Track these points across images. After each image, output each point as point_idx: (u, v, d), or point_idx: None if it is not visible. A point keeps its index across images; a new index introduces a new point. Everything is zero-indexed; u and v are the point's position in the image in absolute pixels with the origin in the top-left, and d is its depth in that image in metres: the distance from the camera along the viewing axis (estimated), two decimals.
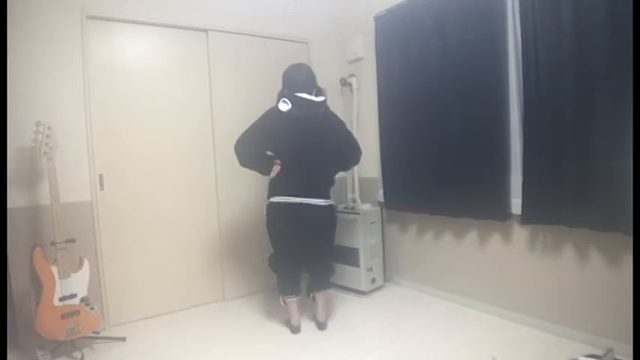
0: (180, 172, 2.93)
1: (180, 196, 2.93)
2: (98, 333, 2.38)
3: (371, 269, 3.10)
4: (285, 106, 2.32)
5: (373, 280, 3.12)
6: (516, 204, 2.36)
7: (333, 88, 3.60)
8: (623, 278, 1.94)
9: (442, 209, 2.77)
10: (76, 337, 2.20)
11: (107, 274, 2.65)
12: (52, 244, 2.17)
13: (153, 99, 2.81)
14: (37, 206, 2.41)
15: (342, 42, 3.61)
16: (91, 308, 2.26)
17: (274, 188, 2.39)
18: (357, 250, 3.05)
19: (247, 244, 3.19)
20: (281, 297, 2.52)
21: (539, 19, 2.12)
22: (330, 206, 2.44)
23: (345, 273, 3.13)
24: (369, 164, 3.35)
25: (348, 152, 2.51)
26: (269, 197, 2.41)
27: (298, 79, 2.38)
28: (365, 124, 3.40)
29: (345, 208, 3.18)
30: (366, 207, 3.16)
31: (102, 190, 2.64)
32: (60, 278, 2.16)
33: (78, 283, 2.23)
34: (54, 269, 2.15)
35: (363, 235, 3.04)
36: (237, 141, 2.37)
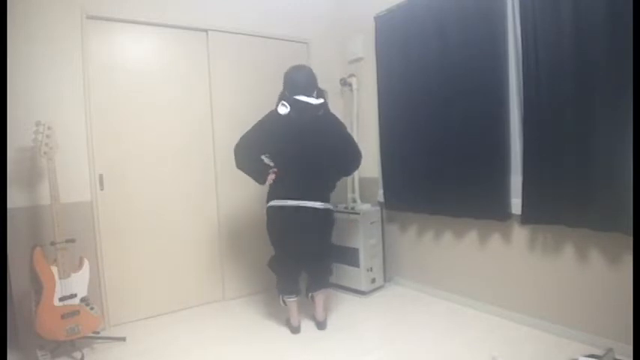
0: (181, 172, 2.93)
1: (180, 195, 2.93)
2: (98, 333, 2.38)
3: (371, 269, 3.10)
4: (283, 110, 2.32)
5: (373, 280, 3.12)
6: (516, 204, 2.36)
7: (333, 88, 3.60)
8: (623, 278, 1.94)
9: (442, 209, 2.77)
10: (76, 337, 2.20)
11: (107, 274, 2.65)
12: (52, 244, 2.17)
13: (153, 99, 2.81)
14: (37, 206, 2.41)
15: (342, 42, 3.61)
16: (91, 308, 2.26)
17: (273, 192, 2.41)
18: (357, 250, 3.05)
19: (247, 244, 3.19)
20: (281, 297, 2.53)
21: (539, 19, 2.12)
22: (328, 210, 2.44)
23: (345, 273, 3.13)
24: (369, 164, 3.35)
25: (348, 155, 2.50)
26: (268, 201, 2.42)
27: (298, 81, 2.38)
28: (365, 124, 3.40)
29: (345, 208, 3.18)
30: (366, 207, 3.16)
31: (102, 190, 2.64)
32: (60, 278, 2.16)
33: (78, 283, 2.23)
34: (54, 269, 2.15)
35: (363, 235, 3.04)
36: (237, 144, 2.39)
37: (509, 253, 2.49)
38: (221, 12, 3.07)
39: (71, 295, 2.19)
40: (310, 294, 2.55)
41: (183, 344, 2.41)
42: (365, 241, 3.05)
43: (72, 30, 2.51)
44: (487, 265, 2.62)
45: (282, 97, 2.39)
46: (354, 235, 3.06)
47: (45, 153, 2.17)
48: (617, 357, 1.85)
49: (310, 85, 2.39)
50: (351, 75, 3.44)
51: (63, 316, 2.15)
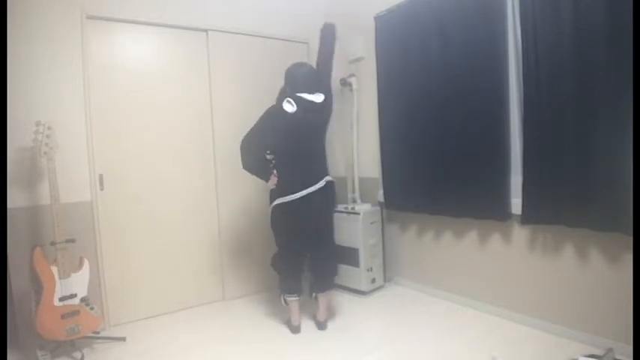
0: (181, 171, 2.93)
1: (181, 195, 2.93)
2: (98, 333, 2.38)
3: (371, 269, 3.10)
4: (290, 107, 2.33)
5: (373, 280, 3.12)
6: (516, 204, 2.36)
7: (333, 88, 3.60)
8: (623, 278, 1.94)
9: (442, 209, 2.77)
10: (76, 337, 2.20)
11: (107, 274, 2.65)
12: (52, 244, 2.17)
13: (153, 99, 2.81)
14: (37, 206, 2.41)
15: (342, 42, 3.60)
16: (91, 308, 2.26)
17: (277, 191, 2.41)
18: (357, 250, 3.04)
19: (247, 244, 3.19)
20: (282, 296, 2.53)
21: (539, 19, 2.12)
22: (330, 183, 2.45)
23: (345, 273, 3.12)
24: (369, 164, 3.36)
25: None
26: (272, 200, 2.43)
27: (301, 77, 2.40)
28: (365, 124, 3.40)
29: (345, 208, 3.18)
30: (366, 207, 3.16)
31: (102, 190, 2.64)
32: (60, 278, 2.16)
33: (78, 283, 2.23)
34: (54, 269, 2.15)
35: (363, 235, 3.04)
36: (242, 144, 2.40)
37: (509, 253, 2.48)
38: (221, 12, 3.07)
39: (71, 295, 2.19)
40: (315, 294, 2.55)
41: (183, 344, 2.41)
42: (365, 241, 3.05)
43: (72, 30, 2.51)
44: (487, 265, 2.62)
45: (284, 94, 2.40)
46: (354, 235, 3.06)
47: (45, 153, 2.17)
48: (617, 357, 1.85)
49: (312, 82, 2.41)
50: (351, 75, 3.44)
51: (63, 316, 2.15)
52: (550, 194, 2.15)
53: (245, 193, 3.15)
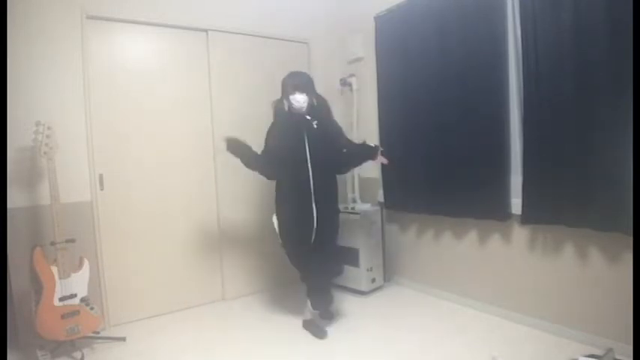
0: (180, 171, 2.93)
1: (181, 195, 2.93)
2: (98, 333, 2.38)
3: (371, 269, 3.10)
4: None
5: (373, 280, 3.12)
6: (516, 204, 2.36)
7: (333, 88, 3.60)
8: (623, 278, 1.94)
9: (442, 209, 2.77)
10: (76, 337, 2.20)
11: (107, 274, 2.65)
12: (52, 244, 2.17)
13: (153, 99, 2.81)
14: (37, 206, 2.41)
15: (342, 42, 3.61)
16: (91, 308, 2.26)
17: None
18: (357, 250, 3.04)
19: (247, 245, 3.19)
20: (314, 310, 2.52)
21: (539, 19, 2.12)
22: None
23: (345, 273, 3.12)
24: (369, 164, 3.35)
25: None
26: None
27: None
28: (365, 124, 3.40)
29: (345, 208, 3.17)
30: (366, 207, 3.16)
31: (102, 190, 2.64)
32: (60, 278, 2.16)
33: (78, 283, 2.23)
34: (54, 269, 2.15)
35: (363, 235, 3.04)
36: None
37: (509, 253, 2.48)
38: (221, 12, 3.07)
39: (71, 295, 2.19)
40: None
41: (183, 344, 2.41)
42: (365, 241, 3.05)
43: (72, 30, 2.51)
44: (487, 265, 2.62)
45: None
46: (354, 235, 3.06)
47: (45, 153, 2.17)
48: (617, 357, 1.85)
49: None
50: (351, 75, 3.44)
51: (63, 316, 2.15)
52: (550, 194, 2.15)
53: (245, 193, 3.15)
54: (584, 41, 1.95)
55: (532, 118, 2.20)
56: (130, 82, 2.72)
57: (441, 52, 2.64)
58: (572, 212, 2.07)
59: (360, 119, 3.42)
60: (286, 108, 2.42)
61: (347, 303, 2.95)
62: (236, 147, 2.45)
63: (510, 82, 2.38)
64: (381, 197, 3.25)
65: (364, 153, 2.60)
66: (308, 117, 2.40)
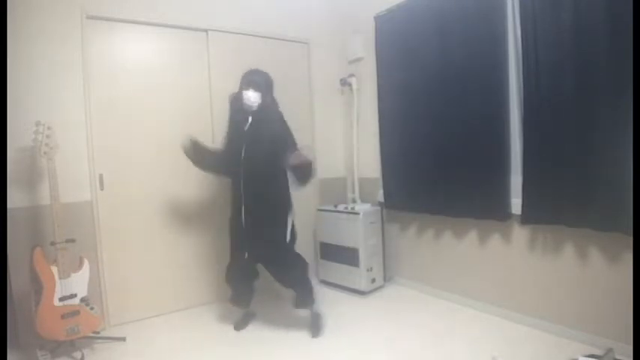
0: (181, 171, 2.93)
1: (180, 195, 2.93)
2: (98, 333, 2.38)
3: (371, 269, 3.10)
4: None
5: (373, 280, 3.12)
6: (516, 204, 2.36)
7: (333, 88, 3.61)
8: (623, 278, 1.94)
9: (442, 209, 2.77)
10: (76, 337, 2.20)
11: (107, 274, 2.65)
12: (52, 244, 2.17)
13: (153, 99, 2.81)
14: (37, 206, 2.41)
15: (342, 42, 3.61)
16: (91, 308, 2.26)
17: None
18: (357, 250, 3.04)
19: None
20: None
21: (539, 19, 2.12)
22: None
23: (344, 273, 3.13)
24: (369, 164, 3.36)
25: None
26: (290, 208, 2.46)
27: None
28: (365, 124, 3.40)
29: (345, 208, 3.18)
30: (366, 207, 3.16)
31: (102, 190, 2.64)
32: (60, 278, 2.16)
33: (78, 283, 2.23)
34: (54, 269, 2.15)
35: (363, 235, 3.04)
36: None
37: (509, 253, 2.48)
38: (221, 12, 3.07)
39: (71, 295, 2.19)
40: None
41: (183, 344, 2.41)
42: (365, 241, 3.05)
43: (72, 30, 2.51)
44: (487, 265, 2.62)
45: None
46: (354, 235, 3.06)
47: (45, 153, 2.17)
48: (617, 357, 1.85)
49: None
50: (351, 75, 3.44)
51: (63, 316, 2.15)
52: (550, 194, 2.15)
53: None
54: (584, 41, 1.95)
55: (532, 118, 2.20)
56: (130, 82, 2.72)
57: (441, 52, 2.64)
58: (572, 212, 2.07)
59: (360, 119, 3.43)
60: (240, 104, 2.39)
61: (346, 303, 2.95)
62: (189, 149, 2.45)
63: (510, 82, 2.38)
64: (381, 197, 3.25)
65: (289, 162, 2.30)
66: (250, 118, 2.38)
